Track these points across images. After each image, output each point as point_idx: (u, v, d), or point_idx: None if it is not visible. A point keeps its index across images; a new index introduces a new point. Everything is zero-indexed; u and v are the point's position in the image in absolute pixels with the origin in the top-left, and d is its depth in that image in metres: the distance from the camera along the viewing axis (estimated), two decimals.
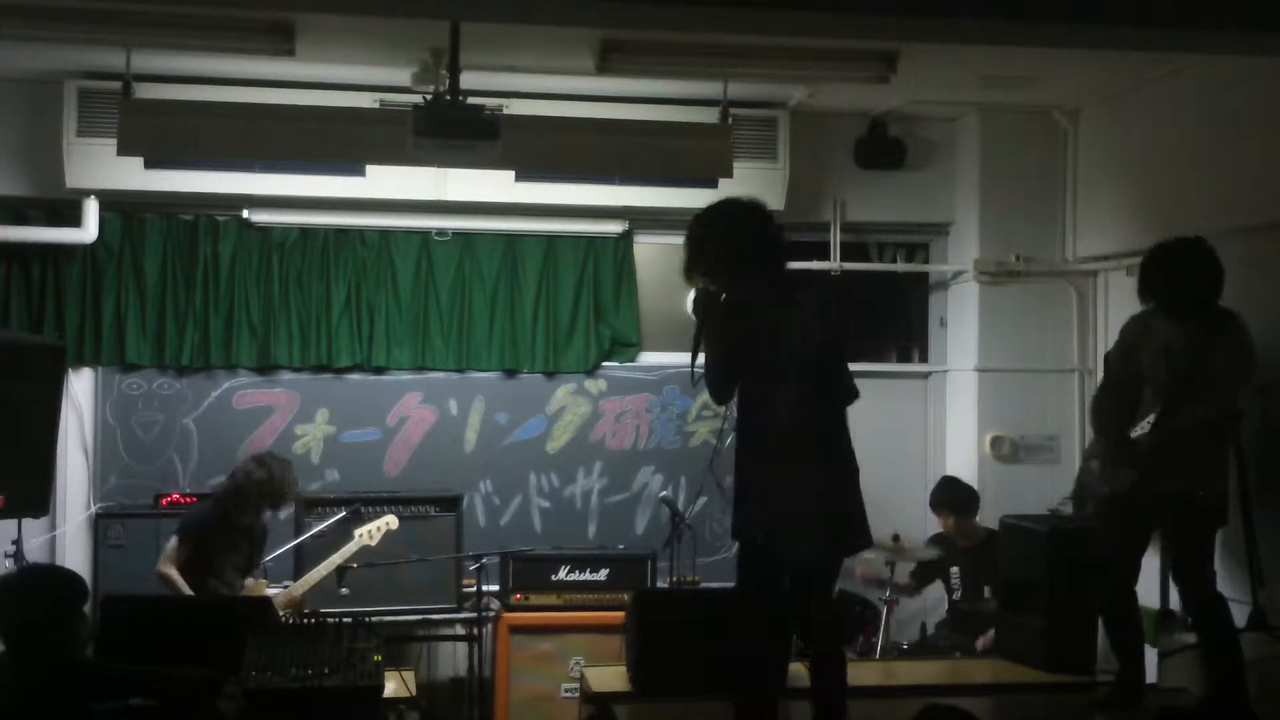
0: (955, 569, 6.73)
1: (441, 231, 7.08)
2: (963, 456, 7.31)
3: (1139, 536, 5.02)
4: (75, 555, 6.63)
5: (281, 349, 6.93)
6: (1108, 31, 4.64)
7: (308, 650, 4.36)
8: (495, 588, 6.67)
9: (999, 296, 7.30)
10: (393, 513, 6.41)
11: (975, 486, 6.94)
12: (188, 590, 5.82)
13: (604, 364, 7.27)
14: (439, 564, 6.51)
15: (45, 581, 4.27)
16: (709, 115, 6.74)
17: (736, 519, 4.45)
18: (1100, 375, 6.75)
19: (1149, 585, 5.53)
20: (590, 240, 7.22)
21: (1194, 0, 4.50)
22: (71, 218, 6.67)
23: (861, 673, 5.66)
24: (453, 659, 6.94)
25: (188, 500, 6.64)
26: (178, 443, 6.90)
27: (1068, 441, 7.25)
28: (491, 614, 6.59)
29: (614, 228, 7.21)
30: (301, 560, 6.38)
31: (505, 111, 6.35)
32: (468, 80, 5.58)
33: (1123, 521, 4.95)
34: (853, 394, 4.44)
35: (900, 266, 7.65)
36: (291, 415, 7.00)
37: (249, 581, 6.03)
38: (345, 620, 4.64)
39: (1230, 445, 5.18)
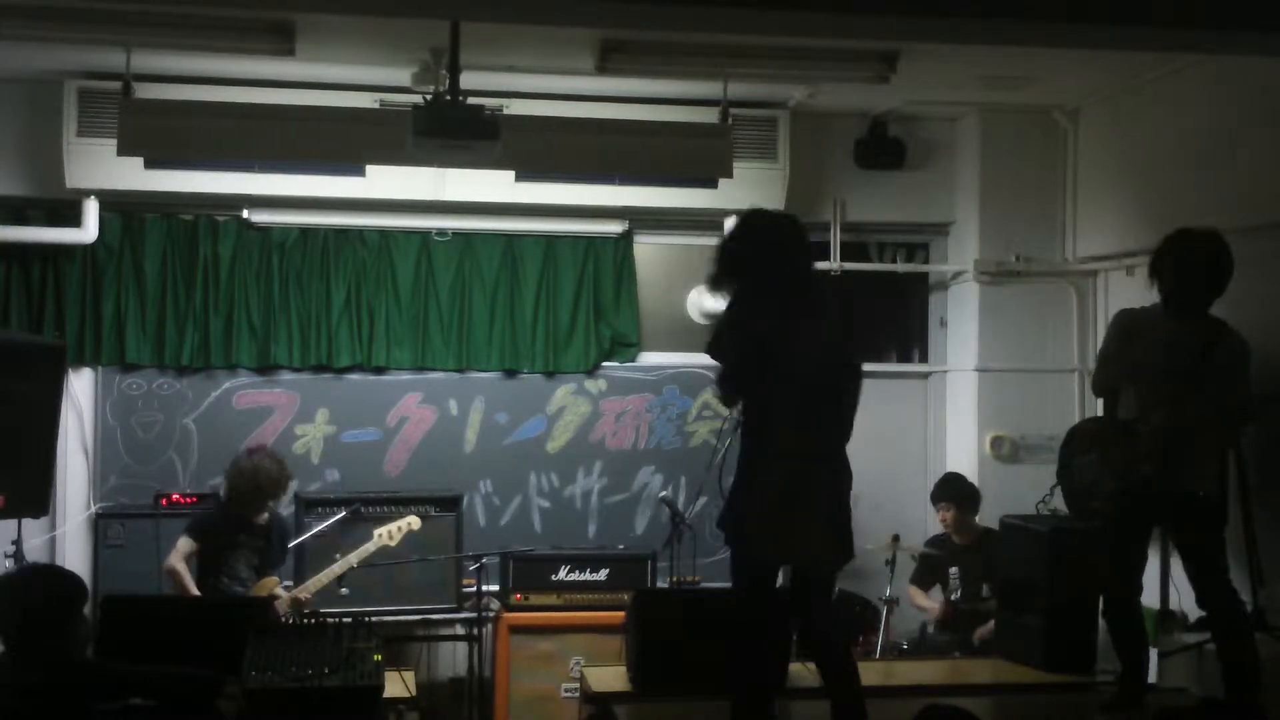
0: (954, 569, 6.73)
1: (441, 231, 7.08)
2: (963, 456, 7.31)
3: (1141, 536, 5.01)
4: (75, 555, 6.63)
5: (281, 349, 6.93)
6: (1108, 31, 4.64)
7: (308, 650, 4.36)
8: (495, 588, 6.67)
9: (999, 296, 7.30)
10: (412, 512, 6.41)
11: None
12: (193, 587, 5.83)
13: (604, 364, 7.27)
14: (439, 564, 6.52)
15: (45, 581, 4.27)
16: (709, 115, 6.74)
17: (737, 517, 4.43)
18: None
19: (1149, 585, 5.52)
20: (590, 240, 7.22)
21: (1194, 0, 4.50)
22: (71, 218, 6.67)
23: (861, 673, 5.67)
24: (453, 659, 6.94)
25: (188, 500, 6.65)
26: (178, 443, 6.90)
27: None
28: (491, 614, 6.59)
29: (614, 228, 7.21)
30: (303, 560, 6.38)
31: (505, 111, 6.36)
32: (468, 80, 5.58)
33: (1125, 520, 4.95)
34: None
35: (900, 266, 7.65)
36: (291, 415, 7.00)
37: (265, 580, 6.01)
38: (345, 620, 4.65)
39: (1230, 446, 5.18)
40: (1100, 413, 5.13)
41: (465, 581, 6.58)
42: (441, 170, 6.68)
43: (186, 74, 6.48)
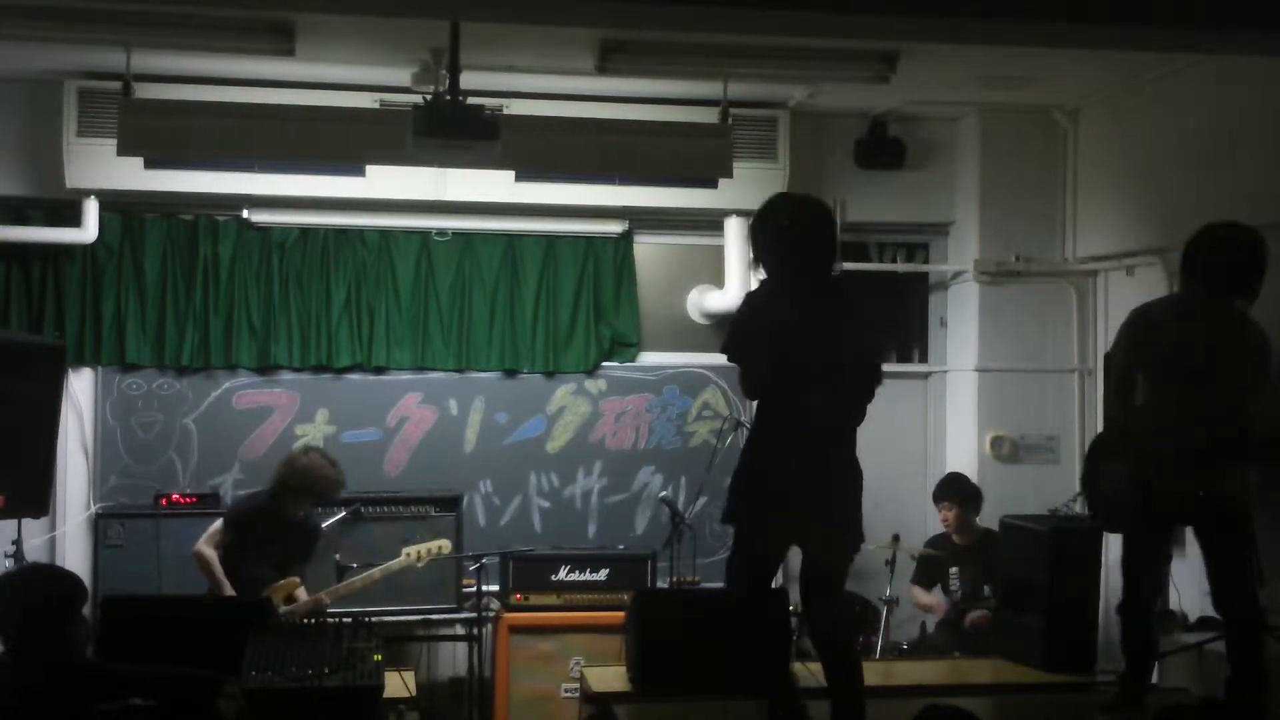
0: (954, 569, 6.73)
1: (441, 231, 7.08)
2: (963, 456, 7.30)
3: (1165, 542, 4.99)
4: (75, 555, 6.63)
5: (281, 349, 6.93)
6: (1108, 31, 4.64)
7: (308, 650, 4.36)
8: (495, 588, 6.67)
9: (999, 296, 7.30)
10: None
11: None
12: (221, 574, 5.81)
13: (604, 364, 7.27)
14: (439, 564, 6.51)
15: (45, 581, 4.27)
16: (709, 115, 6.74)
17: (747, 507, 4.42)
18: (1101, 375, 6.79)
19: None
20: (590, 240, 7.22)
21: (1194, 0, 4.50)
22: (71, 218, 6.67)
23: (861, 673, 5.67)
24: (453, 659, 6.94)
25: (188, 500, 6.65)
26: (178, 443, 6.90)
27: (1068, 441, 7.25)
28: (491, 614, 6.59)
29: (614, 228, 7.21)
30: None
31: (505, 111, 6.36)
32: (468, 80, 5.58)
33: (1150, 527, 4.92)
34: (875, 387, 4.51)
35: (900, 266, 7.65)
36: (291, 415, 7.00)
37: (288, 580, 6.00)
38: (345, 620, 4.65)
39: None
40: (1110, 405, 5.08)
41: (465, 581, 6.58)
42: (441, 170, 6.68)
43: (186, 74, 6.48)
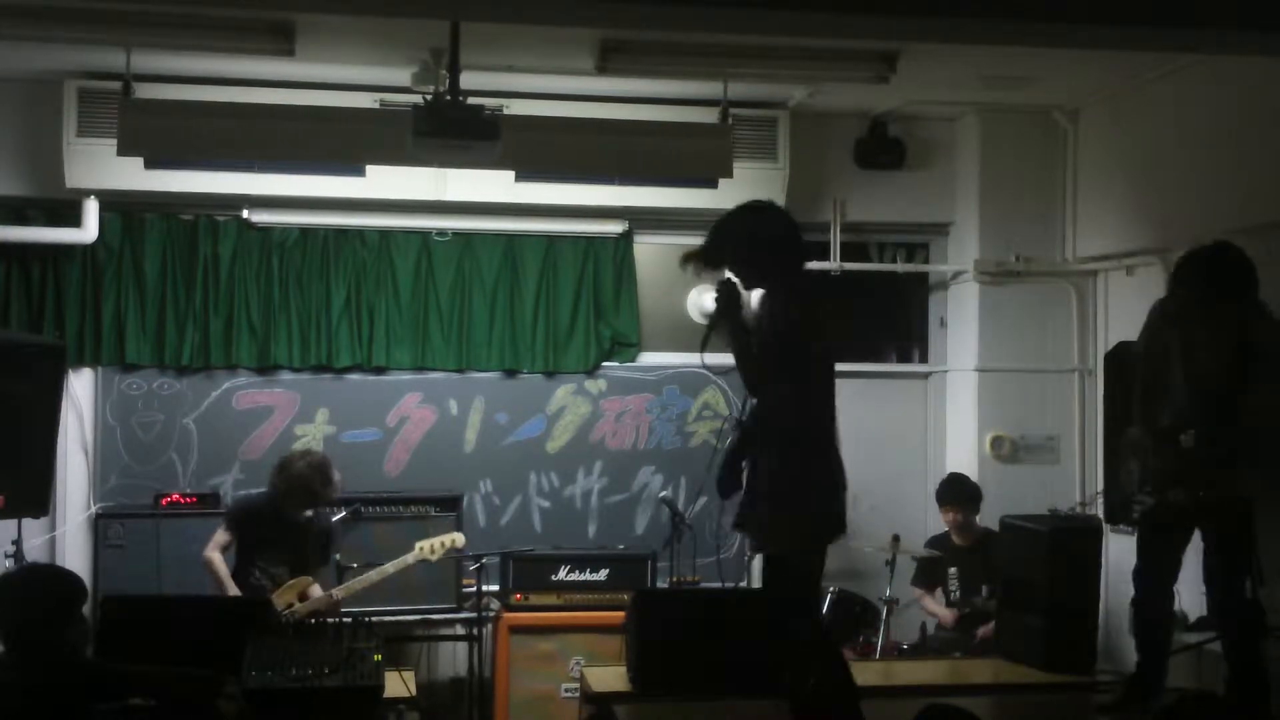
0: (954, 569, 6.73)
1: (441, 231, 7.08)
2: (963, 456, 7.30)
3: (1180, 544, 4.99)
4: (75, 555, 6.63)
5: (281, 349, 6.93)
6: (1108, 31, 4.64)
7: (308, 650, 4.36)
8: (495, 588, 6.67)
9: (999, 296, 7.30)
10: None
11: None
12: (227, 578, 5.83)
13: (604, 364, 7.27)
14: (439, 564, 6.50)
15: (45, 581, 4.27)
16: (709, 115, 6.74)
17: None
18: (1101, 375, 6.80)
19: None
20: (590, 240, 7.22)
21: (1194, 0, 4.50)
22: (71, 218, 6.67)
23: (861, 673, 5.66)
24: (453, 659, 6.94)
25: (188, 500, 6.65)
26: (178, 443, 6.90)
27: (1068, 441, 7.26)
28: (491, 614, 6.59)
29: (614, 228, 7.21)
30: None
31: (505, 111, 6.35)
32: (468, 80, 5.58)
33: (1164, 530, 4.92)
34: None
35: (900, 266, 7.65)
36: (291, 415, 6.99)
37: (300, 579, 6.01)
38: (345, 620, 4.65)
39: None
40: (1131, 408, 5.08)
41: (465, 581, 6.58)
42: (442, 170, 6.68)
43: (186, 74, 6.48)
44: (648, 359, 7.31)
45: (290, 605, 5.88)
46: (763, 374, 4.35)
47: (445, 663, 6.99)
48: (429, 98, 5.66)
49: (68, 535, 6.72)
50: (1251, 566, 5.31)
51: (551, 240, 7.18)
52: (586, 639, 6.58)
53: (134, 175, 6.47)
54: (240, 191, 6.71)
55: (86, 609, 4.22)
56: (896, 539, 6.61)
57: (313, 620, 4.94)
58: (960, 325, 7.50)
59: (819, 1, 4.45)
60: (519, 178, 6.77)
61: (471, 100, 5.53)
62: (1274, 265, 5.31)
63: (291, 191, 6.75)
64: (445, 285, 7.08)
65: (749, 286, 4.49)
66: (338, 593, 6.03)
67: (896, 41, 5.88)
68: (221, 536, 5.96)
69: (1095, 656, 5.61)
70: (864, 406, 7.26)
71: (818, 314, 4.39)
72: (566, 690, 6.54)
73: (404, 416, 7.10)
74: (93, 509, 6.73)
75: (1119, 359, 6.08)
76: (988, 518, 6.62)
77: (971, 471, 7.06)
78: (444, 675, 6.98)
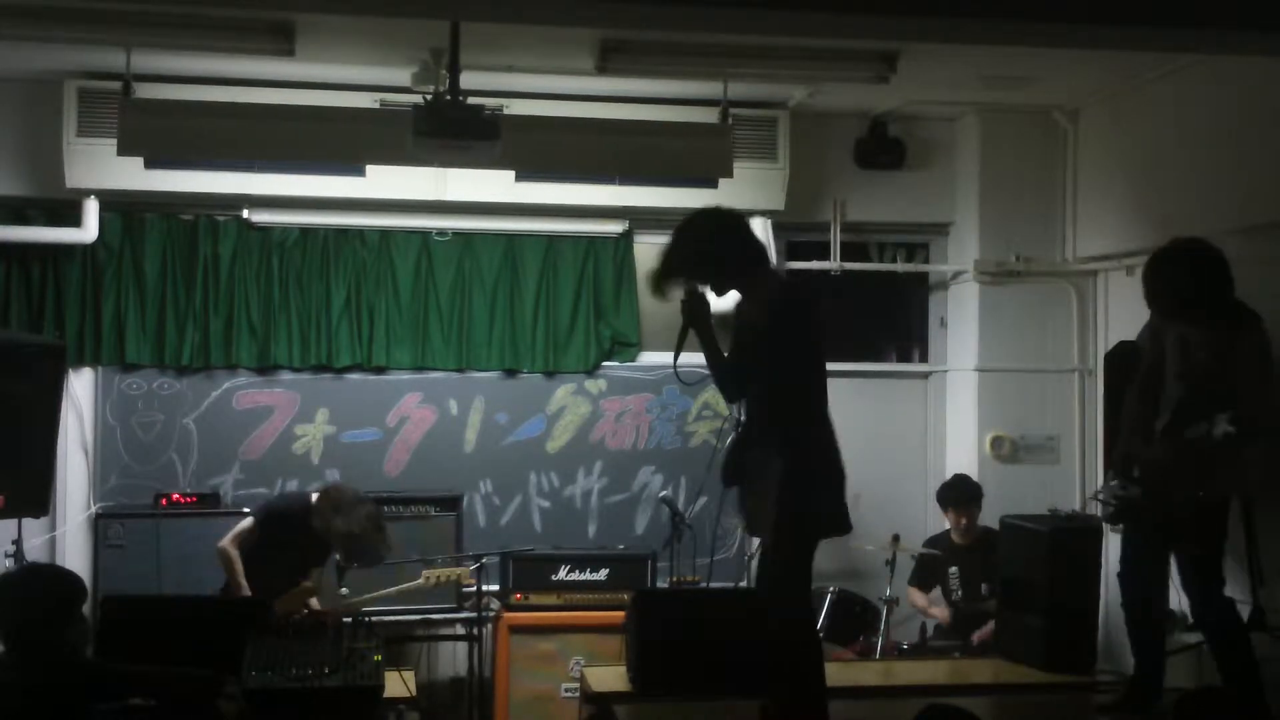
0: (953, 569, 6.73)
1: (441, 231, 7.08)
2: (963, 456, 7.31)
3: (1164, 540, 4.99)
4: (75, 555, 6.63)
5: (281, 349, 6.93)
6: (1108, 31, 4.63)
7: (308, 650, 4.36)
8: (495, 588, 6.67)
9: (999, 296, 7.30)
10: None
11: None
12: (242, 575, 5.78)
13: (604, 364, 7.27)
14: (439, 564, 6.51)
15: (45, 581, 4.26)
16: (709, 115, 6.74)
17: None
18: (1101, 375, 6.80)
19: None
20: (590, 240, 7.22)
21: (1194, 0, 4.50)
22: (71, 218, 6.67)
23: (861, 673, 5.68)
24: (453, 659, 6.94)
25: (188, 500, 6.65)
26: (178, 443, 6.90)
27: (1068, 441, 7.26)
28: (491, 614, 6.59)
29: (614, 228, 7.21)
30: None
31: (505, 111, 6.35)
32: (468, 80, 5.58)
33: (1138, 527, 4.93)
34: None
35: (900, 266, 7.65)
36: (291, 415, 6.99)
37: (305, 586, 5.97)
38: (345, 620, 4.64)
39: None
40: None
41: (465, 581, 6.58)
42: (442, 170, 6.68)
43: (186, 74, 6.48)
44: (648, 359, 7.30)
45: (296, 613, 5.86)
46: (737, 384, 4.37)
47: (445, 663, 6.99)
48: (429, 98, 5.66)
49: (68, 535, 6.72)
50: (1251, 566, 5.32)
51: (551, 240, 7.18)
52: (586, 639, 6.58)
53: (134, 175, 6.47)
54: (240, 191, 6.71)
55: (86, 609, 4.22)
56: (896, 539, 6.61)
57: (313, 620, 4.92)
58: (960, 325, 7.50)
59: (819, 1, 4.45)
60: (519, 178, 6.77)
61: (471, 100, 5.53)
62: (1275, 265, 5.32)
63: (291, 191, 6.75)
64: (445, 285, 7.08)
65: (719, 292, 4.49)
66: (338, 611, 6.00)
67: (896, 41, 5.88)
68: (245, 532, 5.85)
69: (1095, 656, 5.62)
70: (864, 406, 7.26)
71: (791, 311, 4.38)
72: (566, 690, 6.54)
73: (404, 416, 7.10)
74: (93, 509, 6.73)
75: (1119, 359, 6.09)
76: (988, 518, 6.62)
77: (971, 471, 7.07)
78: (444, 675, 6.98)
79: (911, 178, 7.40)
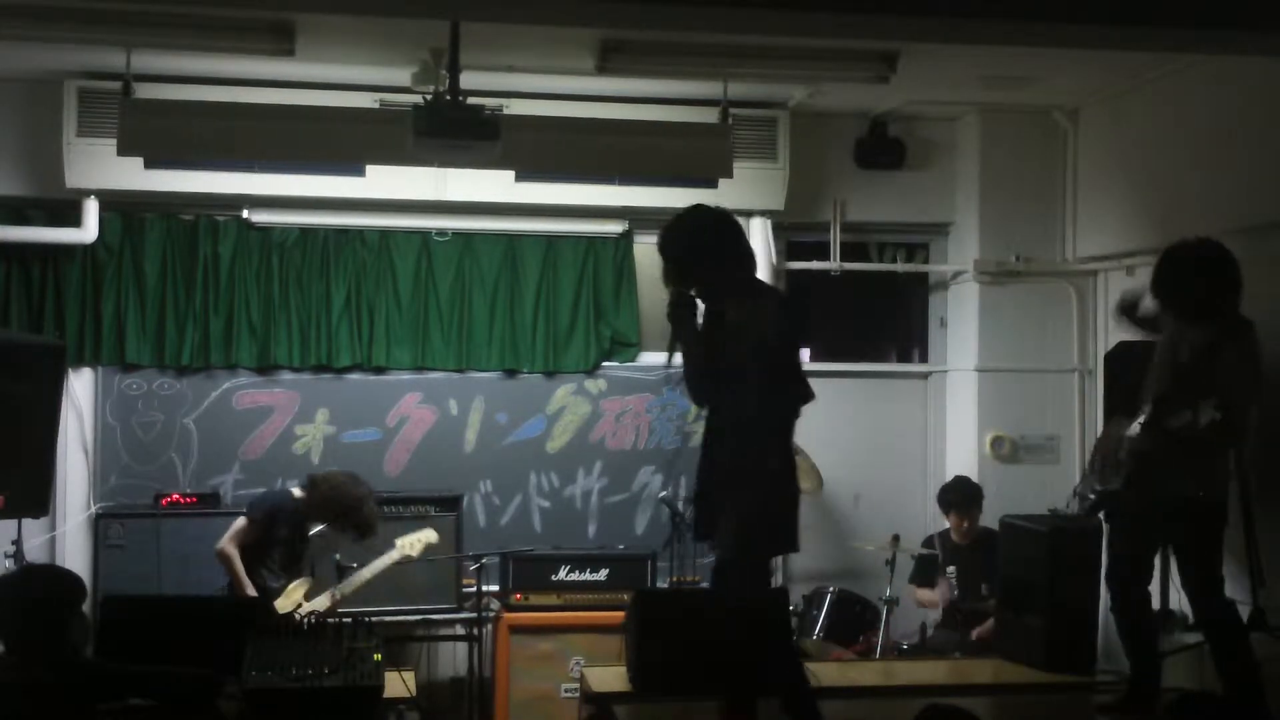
0: (952, 569, 6.73)
1: (441, 231, 7.08)
2: (963, 456, 7.31)
3: (1147, 538, 4.99)
4: (75, 555, 6.63)
5: (281, 349, 6.93)
6: (1108, 31, 4.64)
7: (308, 650, 4.36)
8: (495, 588, 6.67)
9: (999, 296, 7.30)
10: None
11: None
12: (243, 575, 5.80)
13: (604, 364, 7.27)
14: (439, 564, 6.51)
15: (45, 581, 4.27)
16: (709, 115, 6.74)
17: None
18: (1101, 375, 6.80)
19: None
20: (590, 240, 7.22)
21: (1194, 0, 4.50)
22: (71, 218, 6.67)
23: (862, 673, 5.68)
24: (453, 659, 6.94)
25: (188, 500, 6.65)
26: (178, 443, 6.90)
27: (1068, 441, 7.26)
28: (491, 614, 6.59)
29: (614, 228, 7.21)
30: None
31: (505, 111, 6.35)
32: (468, 80, 5.58)
33: (1130, 522, 4.93)
34: (809, 394, 4.48)
35: (900, 266, 7.65)
36: (291, 415, 6.99)
37: (295, 587, 6.01)
38: (345, 620, 4.65)
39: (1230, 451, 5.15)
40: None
41: (465, 581, 6.58)
42: (442, 170, 6.69)
43: (186, 74, 6.48)
44: (648, 359, 7.30)
45: (297, 607, 5.88)
46: (706, 387, 4.40)
47: (445, 663, 6.99)
48: (429, 98, 5.66)
49: (68, 535, 6.72)
50: (1251, 566, 5.32)
51: (551, 240, 7.18)
52: (586, 639, 6.58)
53: (134, 175, 6.47)
54: (240, 191, 6.71)
55: (86, 609, 4.22)
56: (896, 539, 6.61)
57: (312, 620, 4.91)
58: (960, 325, 7.50)
59: (819, 1, 4.46)
60: (519, 178, 6.77)
61: (471, 100, 5.53)
62: (1275, 265, 5.32)
63: (291, 191, 6.75)
64: (445, 285, 7.08)
65: (701, 289, 4.49)
66: (337, 593, 6.03)
67: (896, 41, 5.88)
68: (242, 531, 5.89)
69: (1095, 656, 5.61)
70: (864, 406, 7.27)
71: (759, 316, 4.37)
72: (566, 690, 6.54)
73: (404, 416, 7.10)
74: (93, 509, 6.73)
75: (1119, 359, 6.09)
76: (988, 518, 6.62)
77: (971, 472, 7.07)
78: (444, 675, 6.98)
79: (911, 178, 7.40)
